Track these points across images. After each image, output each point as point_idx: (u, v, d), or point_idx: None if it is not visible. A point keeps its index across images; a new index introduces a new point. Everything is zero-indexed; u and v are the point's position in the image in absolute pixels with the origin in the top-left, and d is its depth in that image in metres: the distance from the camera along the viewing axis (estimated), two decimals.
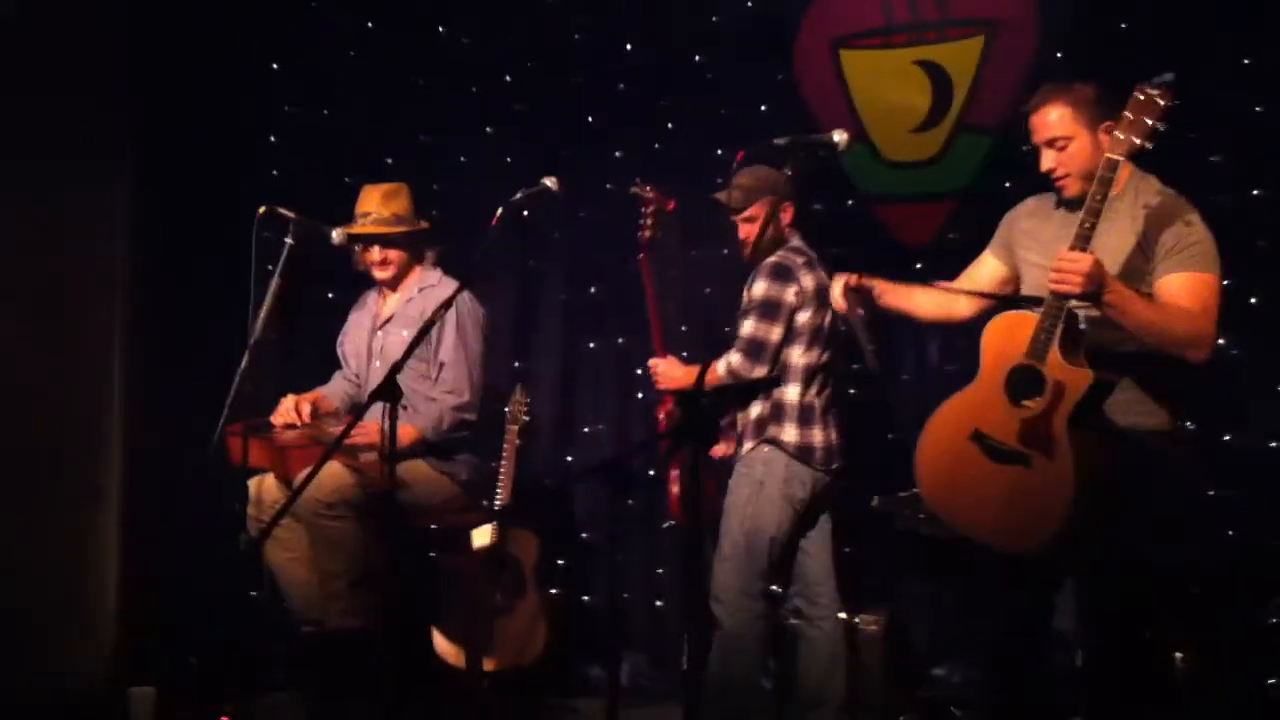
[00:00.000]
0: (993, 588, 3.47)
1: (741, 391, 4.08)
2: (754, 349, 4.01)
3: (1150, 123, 2.95)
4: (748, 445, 4.08)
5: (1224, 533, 4.35)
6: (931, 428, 3.29)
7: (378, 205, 4.47)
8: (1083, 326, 3.12)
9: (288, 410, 4.41)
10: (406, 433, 4.23)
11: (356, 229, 4.46)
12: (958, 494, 3.23)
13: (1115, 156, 3.01)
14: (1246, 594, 4.08)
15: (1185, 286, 3.15)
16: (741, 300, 4.10)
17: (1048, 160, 3.31)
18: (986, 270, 3.55)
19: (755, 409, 4.08)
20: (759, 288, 4.03)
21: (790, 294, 4.01)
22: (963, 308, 3.55)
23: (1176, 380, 3.23)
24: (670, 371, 4.25)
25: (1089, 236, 3.02)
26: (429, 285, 4.51)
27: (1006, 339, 3.14)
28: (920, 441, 3.31)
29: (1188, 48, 4.46)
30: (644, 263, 4.35)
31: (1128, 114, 2.98)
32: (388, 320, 4.53)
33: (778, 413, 4.05)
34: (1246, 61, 4.46)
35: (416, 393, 4.40)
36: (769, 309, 4.01)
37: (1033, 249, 3.40)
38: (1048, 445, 3.04)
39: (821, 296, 4.00)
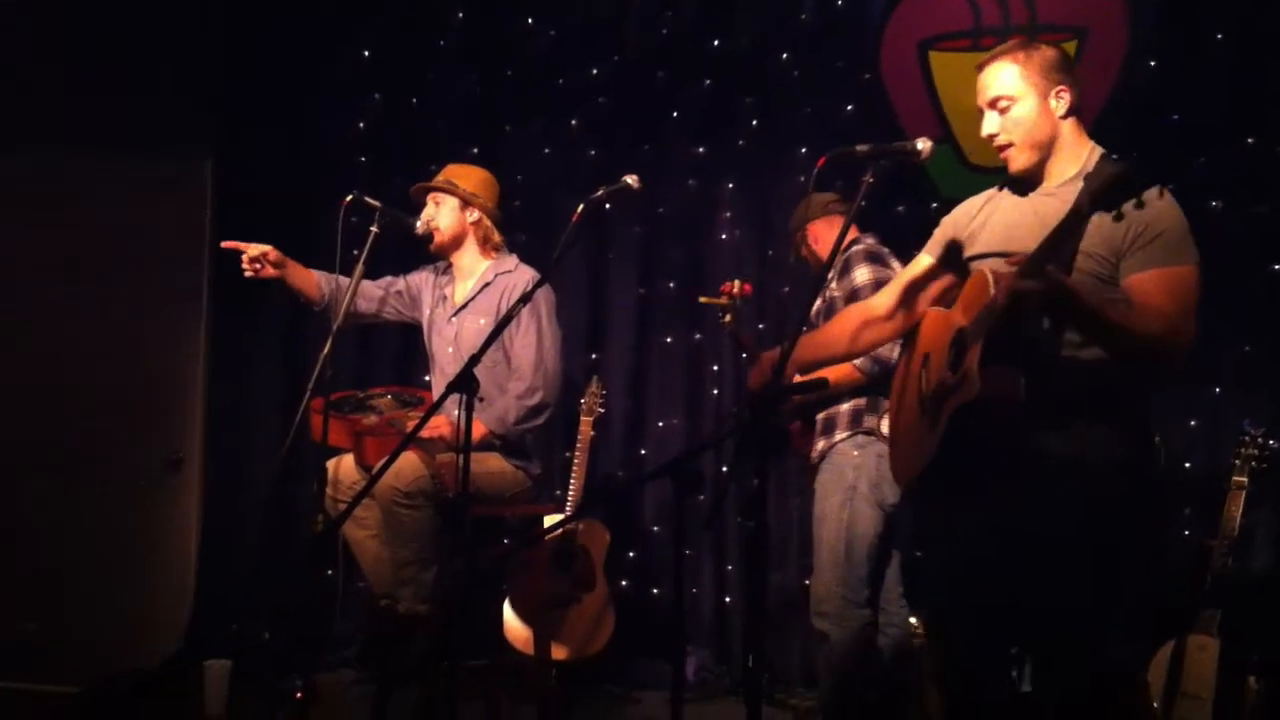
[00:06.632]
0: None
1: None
2: None
3: None
4: (840, 435, 3.90)
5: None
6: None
7: (441, 176, 4.43)
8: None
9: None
10: (475, 428, 4.20)
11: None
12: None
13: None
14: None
15: (1159, 284, 2.73)
16: (822, 294, 3.95)
17: (990, 124, 2.96)
18: (917, 267, 3.19)
19: (847, 402, 3.92)
20: (862, 273, 3.87)
21: (891, 277, 3.86)
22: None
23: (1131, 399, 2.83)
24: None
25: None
26: (505, 271, 4.40)
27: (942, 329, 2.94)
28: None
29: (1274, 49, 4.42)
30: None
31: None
32: (462, 307, 4.46)
33: (874, 405, 3.89)
34: None
35: (486, 383, 4.39)
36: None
37: (982, 239, 3.01)
38: (935, 419, 2.85)
39: None
